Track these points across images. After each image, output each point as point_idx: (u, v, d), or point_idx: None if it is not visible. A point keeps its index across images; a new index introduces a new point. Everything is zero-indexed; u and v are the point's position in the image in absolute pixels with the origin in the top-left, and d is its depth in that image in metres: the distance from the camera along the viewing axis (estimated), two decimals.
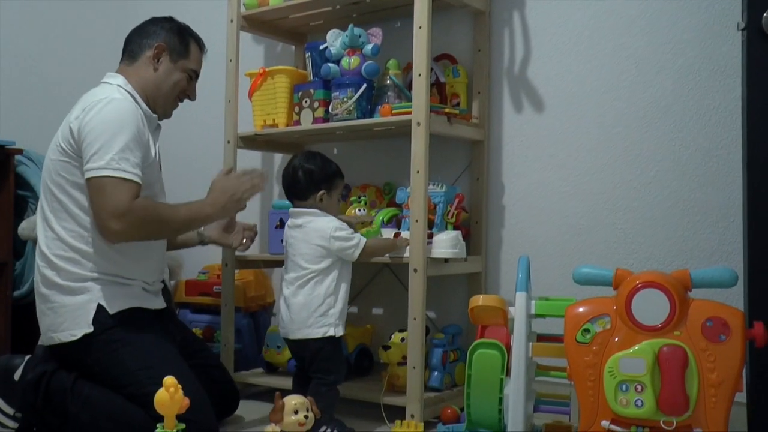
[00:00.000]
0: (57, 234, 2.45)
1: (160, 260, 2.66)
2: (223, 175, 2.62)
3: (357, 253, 2.54)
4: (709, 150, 2.66)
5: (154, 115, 2.62)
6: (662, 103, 2.74)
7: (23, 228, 3.30)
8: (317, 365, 2.53)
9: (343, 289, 2.56)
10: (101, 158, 2.33)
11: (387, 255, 2.73)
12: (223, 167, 2.62)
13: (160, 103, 2.63)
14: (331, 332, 2.51)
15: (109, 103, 2.42)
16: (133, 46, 2.64)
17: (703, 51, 2.67)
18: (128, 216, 2.32)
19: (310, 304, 2.52)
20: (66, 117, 2.49)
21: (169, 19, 2.70)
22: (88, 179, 2.35)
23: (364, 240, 2.57)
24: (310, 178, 2.60)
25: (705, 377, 1.80)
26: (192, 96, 2.73)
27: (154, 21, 2.69)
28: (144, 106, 2.57)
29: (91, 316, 2.39)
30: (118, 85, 2.55)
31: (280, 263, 3.21)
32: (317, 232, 2.55)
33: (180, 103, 2.72)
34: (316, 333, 2.51)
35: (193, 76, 2.72)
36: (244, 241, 2.95)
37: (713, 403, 1.79)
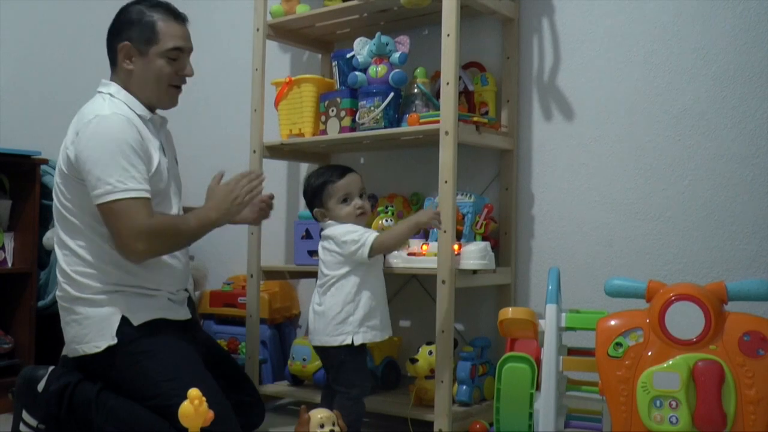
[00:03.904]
0: (74, 251, 2.45)
1: (184, 268, 2.63)
2: (217, 181, 2.58)
3: (366, 251, 2.48)
4: (745, 158, 2.61)
5: (155, 115, 2.59)
6: (696, 111, 2.69)
7: (48, 238, 3.31)
8: (339, 377, 2.51)
9: (365, 296, 2.52)
10: (106, 182, 2.31)
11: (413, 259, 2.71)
12: (215, 175, 2.58)
13: (154, 98, 2.57)
14: (348, 340, 2.48)
15: (99, 123, 2.38)
16: (109, 52, 2.58)
17: (738, 57, 2.62)
18: (149, 234, 2.34)
19: (330, 312, 2.51)
20: (65, 138, 2.47)
21: (126, 8, 2.56)
22: (99, 205, 2.34)
23: (372, 236, 2.50)
24: (306, 202, 2.69)
25: (743, 393, 1.77)
26: (188, 73, 2.61)
27: (118, 14, 2.57)
28: (141, 109, 2.52)
29: (115, 328, 2.39)
30: (110, 94, 2.50)
31: (305, 274, 3.23)
32: (332, 240, 2.55)
33: (182, 84, 2.61)
34: (333, 341, 2.50)
35: (176, 55, 2.54)
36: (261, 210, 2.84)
37: (752, 421, 1.76)
